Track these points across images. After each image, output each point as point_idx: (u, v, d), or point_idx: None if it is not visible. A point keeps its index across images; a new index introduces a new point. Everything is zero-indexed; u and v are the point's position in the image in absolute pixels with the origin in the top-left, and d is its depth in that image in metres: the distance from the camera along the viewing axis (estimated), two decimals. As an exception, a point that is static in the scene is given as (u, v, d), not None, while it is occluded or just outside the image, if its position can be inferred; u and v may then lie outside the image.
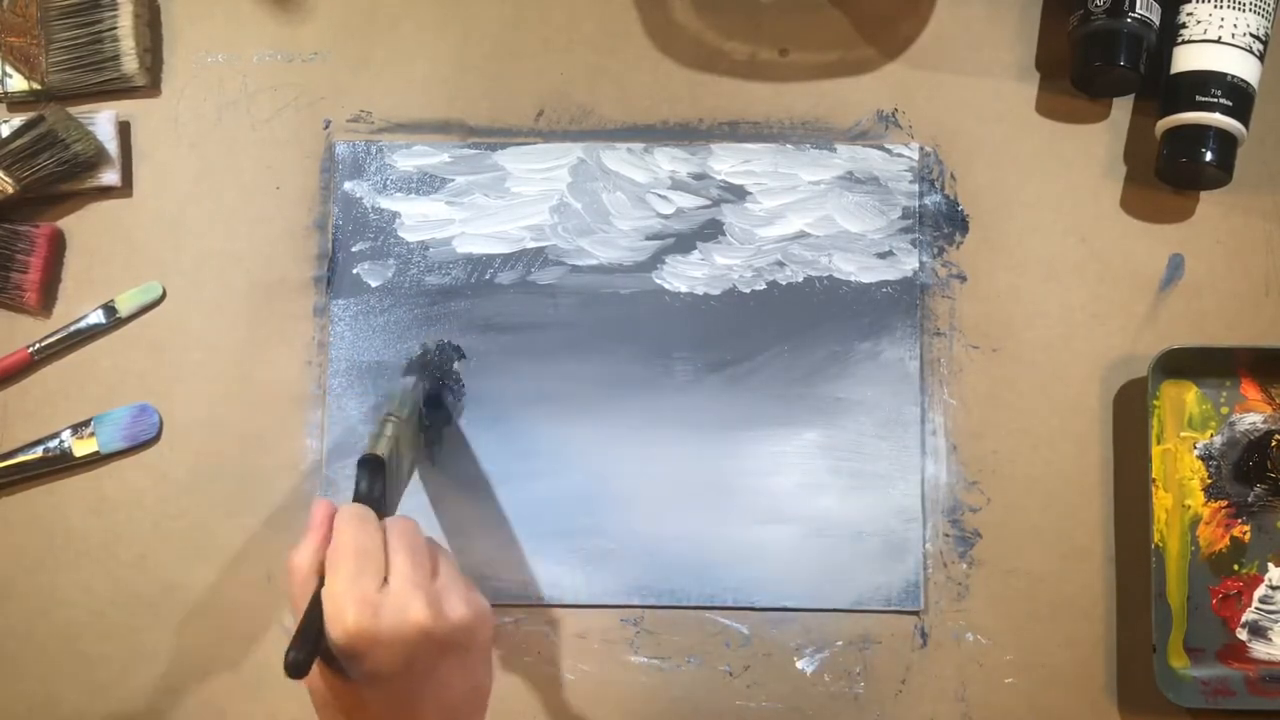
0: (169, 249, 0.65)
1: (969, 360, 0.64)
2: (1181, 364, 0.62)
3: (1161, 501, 0.62)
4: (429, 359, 0.63)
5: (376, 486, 0.53)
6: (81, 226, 0.65)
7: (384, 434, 0.55)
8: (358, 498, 0.52)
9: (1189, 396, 0.63)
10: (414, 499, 0.63)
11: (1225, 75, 0.61)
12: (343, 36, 0.67)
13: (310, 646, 0.47)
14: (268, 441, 0.63)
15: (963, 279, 0.65)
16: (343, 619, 0.46)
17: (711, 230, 0.65)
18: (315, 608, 0.48)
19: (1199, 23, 0.62)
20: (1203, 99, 0.61)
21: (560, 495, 0.63)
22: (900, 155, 0.65)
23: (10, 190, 0.63)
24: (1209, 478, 0.63)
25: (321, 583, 0.48)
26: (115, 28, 0.65)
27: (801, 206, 0.65)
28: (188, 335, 0.64)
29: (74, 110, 0.64)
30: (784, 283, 0.64)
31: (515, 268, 0.65)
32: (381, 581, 0.48)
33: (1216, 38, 0.62)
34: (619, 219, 0.65)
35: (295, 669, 0.45)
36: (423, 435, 0.62)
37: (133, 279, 0.65)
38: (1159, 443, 0.62)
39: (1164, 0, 0.63)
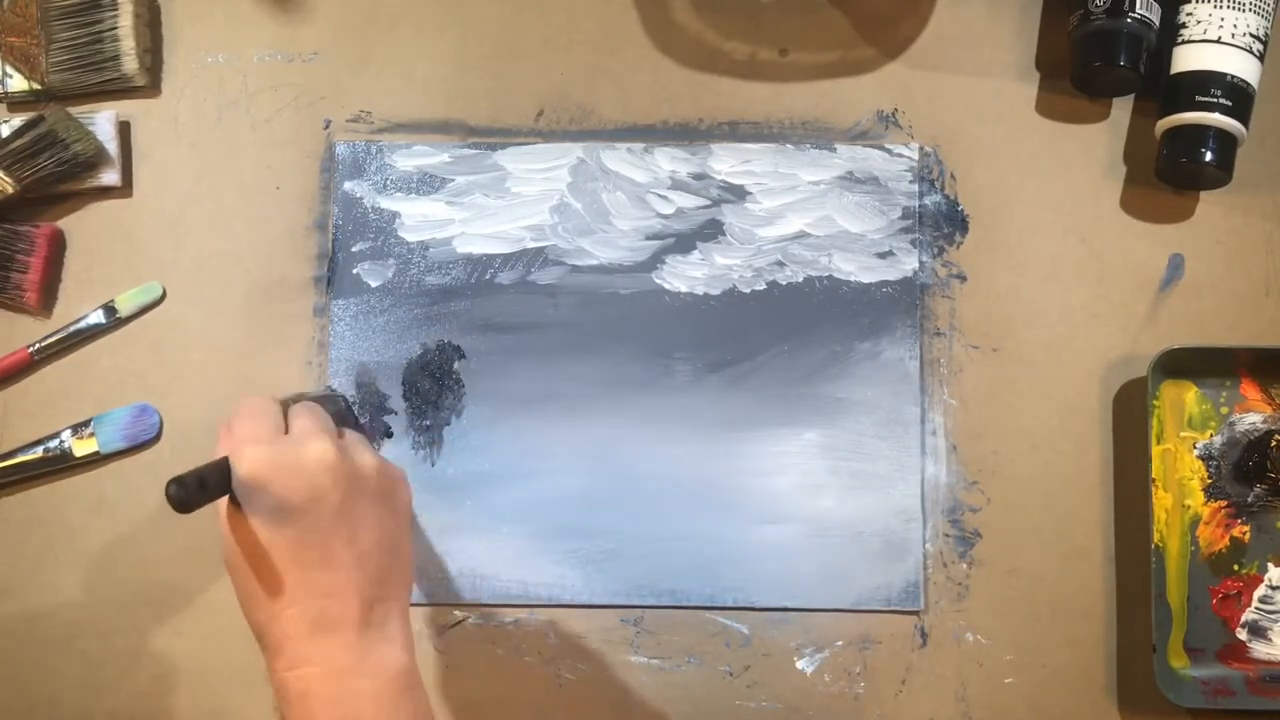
0: (169, 249, 0.65)
1: (969, 360, 0.64)
2: (1181, 364, 0.62)
3: (1161, 501, 0.62)
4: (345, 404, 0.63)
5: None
6: (81, 226, 0.65)
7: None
8: None
9: (1189, 396, 0.63)
10: (415, 499, 0.62)
11: (1225, 75, 0.61)
12: (343, 36, 0.67)
13: (195, 482, 0.47)
14: (268, 441, 0.63)
15: (963, 279, 0.65)
16: (241, 457, 0.48)
17: (711, 230, 0.65)
18: (217, 461, 0.49)
19: (1199, 23, 0.62)
20: (1203, 99, 0.61)
21: (560, 495, 0.63)
22: (900, 155, 0.65)
23: (10, 190, 0.63)
24: (1209, 478, 0.63)
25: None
26: (115, 28, 0.65)
27: (801, 206, 0.65)
28: (188, 335, 0.64)
29: (74, 110, 0.64)
30: (784, 283, 0.64)
31: (515, 268, 0.65)
32: (280, 432, 0.51)
33: (1216, 38, 0.62)
34: (619, 219, 0.65)
35: (178, 502, 0.46)
36: None
37: (133, 279, 0.65)
38: (1159, 443, 0.62)
39: (1164, 0, 0.63)
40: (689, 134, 0.66)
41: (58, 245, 0.65)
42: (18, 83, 0.65)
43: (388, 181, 0.66)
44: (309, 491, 0.49)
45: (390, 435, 0.63)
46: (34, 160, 0.63)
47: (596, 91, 0.66)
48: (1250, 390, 0.63)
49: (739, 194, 0.65)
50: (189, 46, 0.67)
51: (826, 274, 0.64)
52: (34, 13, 0.65)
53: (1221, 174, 0.62)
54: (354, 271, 0.65)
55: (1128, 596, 0.62)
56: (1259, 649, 0.62)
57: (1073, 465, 0.63)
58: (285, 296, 0.65)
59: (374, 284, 0.65)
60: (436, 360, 0.64)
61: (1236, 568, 0.62)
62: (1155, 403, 0.62)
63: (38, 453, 0.63)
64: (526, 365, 0.64)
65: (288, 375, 0.64)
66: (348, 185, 0.66)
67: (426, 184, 0.65)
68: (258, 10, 0.67)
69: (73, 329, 0.64)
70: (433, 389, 0.64)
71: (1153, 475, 0.61)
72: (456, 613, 0.62)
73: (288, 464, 0.49)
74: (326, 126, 0.66)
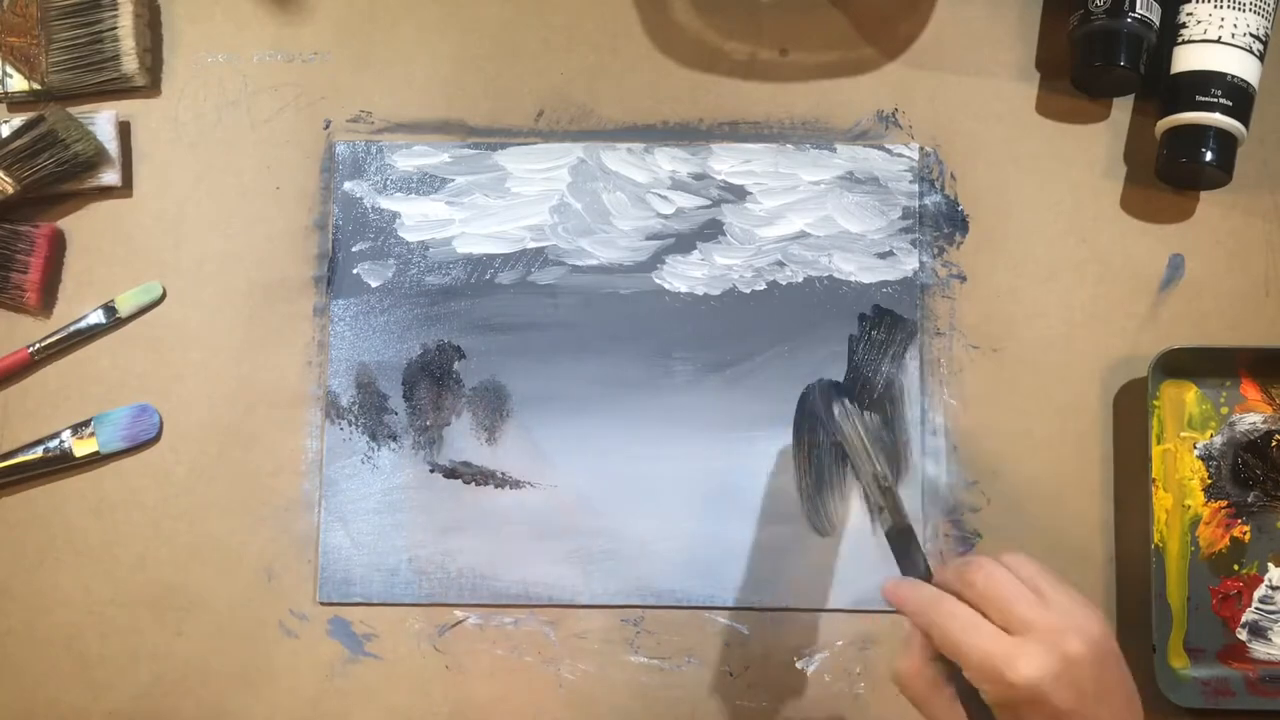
0: (169, 249, 0.65)
1: (969, 360, 0.64)
2: (1181, 364, 0.62)
3: (1161, 501, 0.62)
4: (816, 400, 0.60)
5: (918, 556, 0.52)
6: (81, 226, 0.65)
7: (896, 503, 0.54)
8: (907, 573, 0.51)
9: (1189, 396, 0.63)
10: (415, 499, 0.63)
11: (1225, 75, 0.61)
12: (343, 36, 0.67)
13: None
14: (268, 441, 0.63)
15: (963, 279, 0.65)
16: (1011, 669, 0.44)
17: (711, 230, 0.65)
18: (968, 694, 0.46)
19: (1199, 23, 0.62)
20: (1203, 99, 0.61)
21: (560, 495, 0.63)
22: (900, 155, 0.65)
23: (10, 190, 0.63)
24: (1209, 478, 0.63)
25: (955, 671, 0.47)
26: (115, 28, 0.65)
27: (801, 206, 0.65)
28: (188, 335, 0.64)
29: (74, 110, 0.64)
30: (784, 283, 0.64)
31: (515, 268, 0.65)
32: (1004, 629, 0.46)
33: (1216, 38, 0.62)
34: (619, 219, 0.65)
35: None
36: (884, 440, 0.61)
37: (133, 279, 0.65)
38: (1159, 443, 0.62)
39: (1164, 0, 0.63)
40: (689, 134, 0.66)
41: (58, 245, 0.65)
42: (18, 83, 0.65)
43: (388, 181, 0.66)
44: (1076, 691, 0.45)
45: None
46: (34, 160, 0.63)
47: (596, 91, 0.66)
48: (1250, 390, 0.63)
49: (739, 194, 0.65)
50: (189, 46, 0.67)
51: (826, 274, 0.64)
52: (34, 13, 0.65)
53: (1221, 174, 0.62)
54: (354, 271, 0.65)
55: (1128, 596, 0.62)
56: (1259, 649, 0.62)
57: (1073, 465, 0.63)
58: (285, 296, 0.65)
59: (374, 284, 0.65)
60: (436, 360, 0.64)
61: (1236, 568, 0.62)
62: (1155, 403, 0.62)
63: (38, 453, 0.63)
64: (526, 365, 0.64)
65: (288, 375, 0.64)
66: (348, 185, 0.66)
67: (426, 184, 0.65)
68: (258, 10, 0.67)
69: (73, 329, 0.64)
70: (432, 389, 0.64)
71: (1153, 475, 0.61)
72: (456, 613, 0.62)
73: (1055, 669, 0.44)
74: (326, 126, 0.66)
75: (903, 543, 0.53)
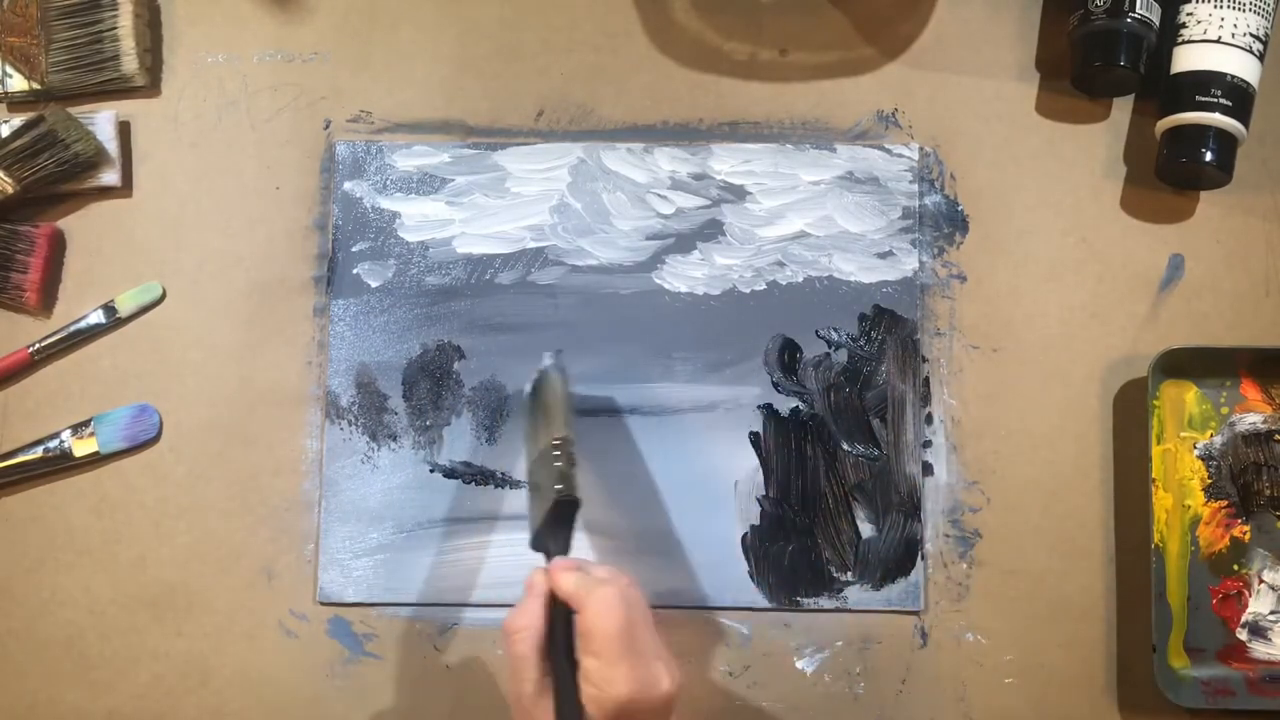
0: (169, 249, 0.65)
1: (969, 360, 0.64)
2: (1181, 364, 0.62)
3: (1161, 501, 0.62)
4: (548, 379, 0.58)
5: (569, 533, 0.55)
6: (81, 226, 0.65)
7: (572, 467, 0.54)
8: (565, 549, 0.55)
9: (1189, 396, 0.63)
10: (415, 499, 0.63)
11: (1225, 75, 0.61)
12: (343, 36, 0.67)
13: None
14: (268, 441, 0.63)
15: (963, 279, 0.65)
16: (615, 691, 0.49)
17: (711, 230, 0.65)
18: (569, 690, 0.50)
19: (1199, 23, 0.62)
20: (1203, 99, 0.61)
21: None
22: (900, 155, 0.65)
23: (10, 190, 0.63)
24: (1209, 478, 0.63)
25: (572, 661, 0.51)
26: (115, 28, 0.65)
27: (801, 206, 0.65)
28: (188, 335, 0.64)
29: (74, 110, 0.64)
30: (784, 283, 0.64)
31: (515, 268, 0.65)
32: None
33: (1216, 38, 0.62)
34: (619, 219, 0.65)
35: None
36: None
37: (133, 279, 0.65)
38: (1159, 443, 0.62)
39: (1164, 0, 0.63)
40: (689, 134, 0.66)
41: (58, 245, 0.65)
42: (18, 83, 0.65)
43: (388, 181, 0.66)
44: None
45: None
46: (34, 160, 0.63)
47: (596, 91, 0.66)
48: (1250, 390, 0.63)
49: (739, 194, 0.65)
50: (189, 46, 0.67)
51: (826, 274, 0.64)
52: (34, 13, 0.65)
53: (1221, 174, 0.62)
54: (354, 271, 0.65)
55: (1128, 596, 0.62)
56: (1259, 649, 0.62)
57: (1073, 465, 0.63)
58: (285, 296, 0.65)
59: (374, 284, 0.65)
60: (436, 360, 0.64)
61: (1236, 568, 0.62)
62: (1155, 403, 0.62)
63: (38, 453, 0.63)
64: (526, 365, 0.64)
65: (288, 375, 0.64)
66: (348, 185, 0.66)
67: (426, 184, 0.65)
68: (258, 10, 0.67)
69: (73, 329, 0.64)
70: (433, 389, 0.64)
71: (1153, 475, 0.61)
72: (456, 613, 0.62)
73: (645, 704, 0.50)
74: (326, 126, 0.66)
75: (567, 515, 0.54)
